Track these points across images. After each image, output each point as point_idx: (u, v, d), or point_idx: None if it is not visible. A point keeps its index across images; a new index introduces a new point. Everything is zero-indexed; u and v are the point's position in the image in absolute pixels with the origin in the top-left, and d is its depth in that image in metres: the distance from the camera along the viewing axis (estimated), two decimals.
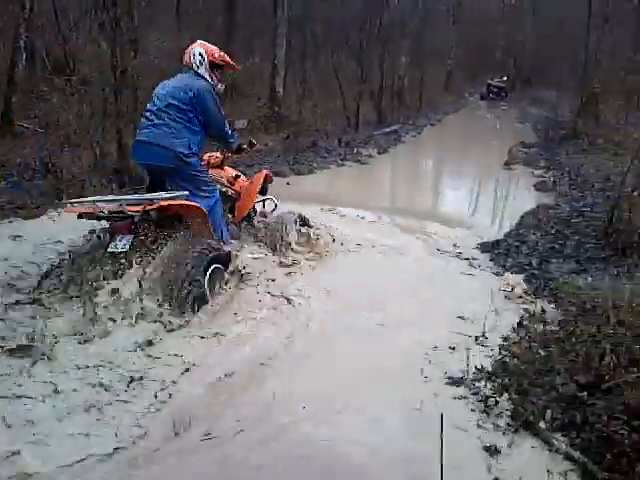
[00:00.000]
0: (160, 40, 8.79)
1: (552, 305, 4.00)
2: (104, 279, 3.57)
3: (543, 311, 3.82)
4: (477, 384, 2.91)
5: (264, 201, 5.24)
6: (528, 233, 6.18)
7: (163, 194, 3.85)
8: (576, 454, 2.36)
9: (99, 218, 3.86)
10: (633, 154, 5.88)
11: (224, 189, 4.64)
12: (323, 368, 3.11)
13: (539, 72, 32.26)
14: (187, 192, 3.95)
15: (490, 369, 3.05)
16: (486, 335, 3.46)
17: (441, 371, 3.08)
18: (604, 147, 11.25)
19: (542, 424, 2.55)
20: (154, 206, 3.64)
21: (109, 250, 3.70)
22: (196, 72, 4.17)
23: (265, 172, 5.14)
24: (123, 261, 3.65)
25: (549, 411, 2.60)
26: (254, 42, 15.74)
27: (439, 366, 3.13)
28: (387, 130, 14.52)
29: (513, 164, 11.08)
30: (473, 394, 2.83)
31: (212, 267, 3.84)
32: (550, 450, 2.42)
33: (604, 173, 8.84)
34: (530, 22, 33.79)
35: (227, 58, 4.35)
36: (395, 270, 4.80)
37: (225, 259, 4.07)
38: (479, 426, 2.59)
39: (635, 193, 5.71)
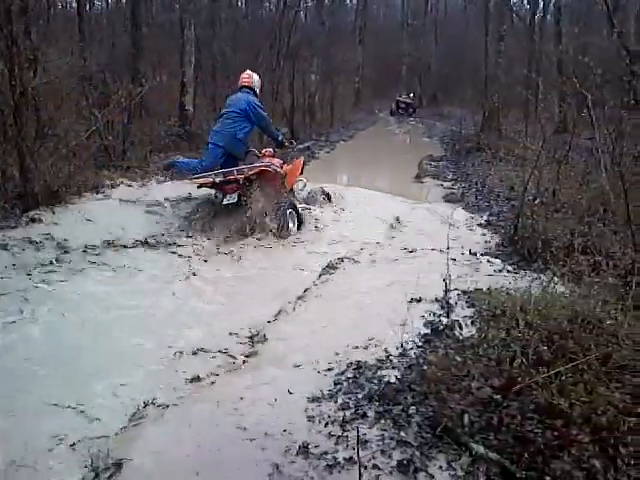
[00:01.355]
0: (62, 59, 8.40)
1: (466, 311, 4.12)
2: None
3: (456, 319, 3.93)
4: (398, 396, 2.95)
5: (298, 181, 7.47)
6: None
7: (256, 164, 6.49)
8: (494, 455, 2.43)
9: (213, 186, 6.36)
10: (533, 165, 6.20)
11: (279, 169, 6.76)
12: None
13: (444, 89, 33.65)
14: (268, 161, 6.62)
15: (408, 379, 3.10)
16: (404, 345, 3.51)
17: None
18: (506, 158, 11.75)
19: (460, 429, 2.60)
20: (255, 171, 6.25)
21: (223, 203, 6.34)
22: (253, 90, 6.72)
23: (302, 159, 7.76)
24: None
25: (467, 415, 2.66)
26: (162, 61, 15.40)
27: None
28: (301, 147, 14.62)
29: (423, 177, 11.43)
30: (395, 404, 2.87)
31: (289, 211, 6.36)
32: (470, 455, 2.48)
33: (508, 183, 9.25)
34: (432, 41, 35.23)
35: None
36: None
37: (295, 207, 6.58)
38: (400, 440, 2.63)
39: (537, 201, 6.01)
